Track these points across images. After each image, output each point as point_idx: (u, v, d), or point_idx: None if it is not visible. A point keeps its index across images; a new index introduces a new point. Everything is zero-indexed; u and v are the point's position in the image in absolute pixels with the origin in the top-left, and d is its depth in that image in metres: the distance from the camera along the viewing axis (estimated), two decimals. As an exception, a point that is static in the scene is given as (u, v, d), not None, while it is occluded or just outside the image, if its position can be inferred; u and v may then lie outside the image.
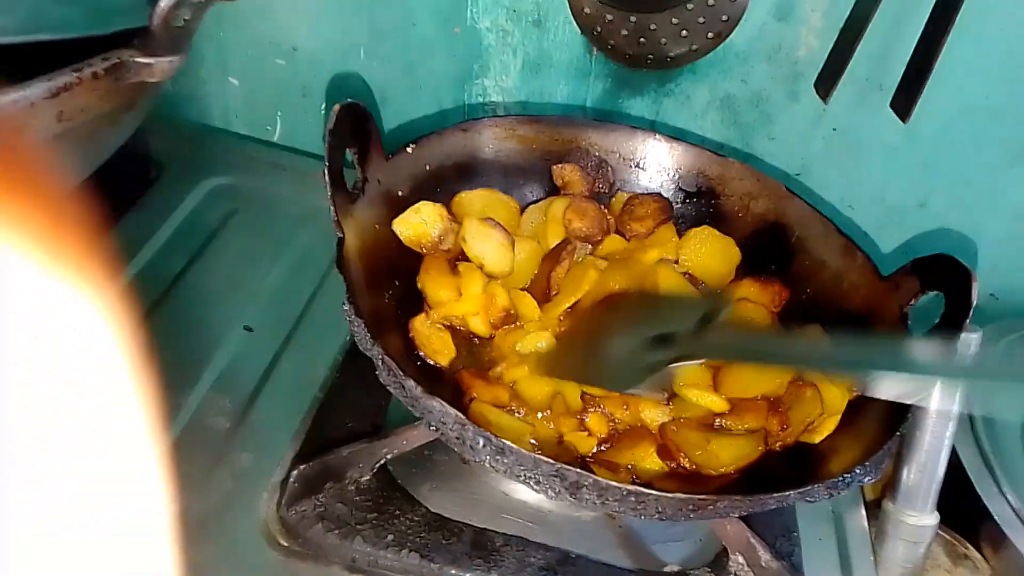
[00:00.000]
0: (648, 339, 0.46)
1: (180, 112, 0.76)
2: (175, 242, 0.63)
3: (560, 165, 0.61)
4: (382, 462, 0.50)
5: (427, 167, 0.56)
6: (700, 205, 0.62)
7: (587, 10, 0.62)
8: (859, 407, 0.49)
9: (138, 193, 0.66)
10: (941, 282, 0.47)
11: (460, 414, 0.41)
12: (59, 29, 0.41)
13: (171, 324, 0.55)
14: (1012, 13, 0.56)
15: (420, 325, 0.53)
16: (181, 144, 0.72)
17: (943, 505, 0.52)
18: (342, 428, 0.53)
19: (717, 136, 0.68)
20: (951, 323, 0.46)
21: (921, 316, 0.50)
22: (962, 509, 0.54)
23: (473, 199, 0.58)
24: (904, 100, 0.59)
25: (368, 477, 0.50)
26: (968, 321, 0.44)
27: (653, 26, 0.61)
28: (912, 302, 0.49)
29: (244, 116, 0.77)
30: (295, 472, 0.48)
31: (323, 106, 0.75)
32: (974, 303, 0.44)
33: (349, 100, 0.47)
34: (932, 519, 0.51)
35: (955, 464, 0.53)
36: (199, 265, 0.61)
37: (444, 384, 0.51)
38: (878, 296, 0.52)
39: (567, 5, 0.63)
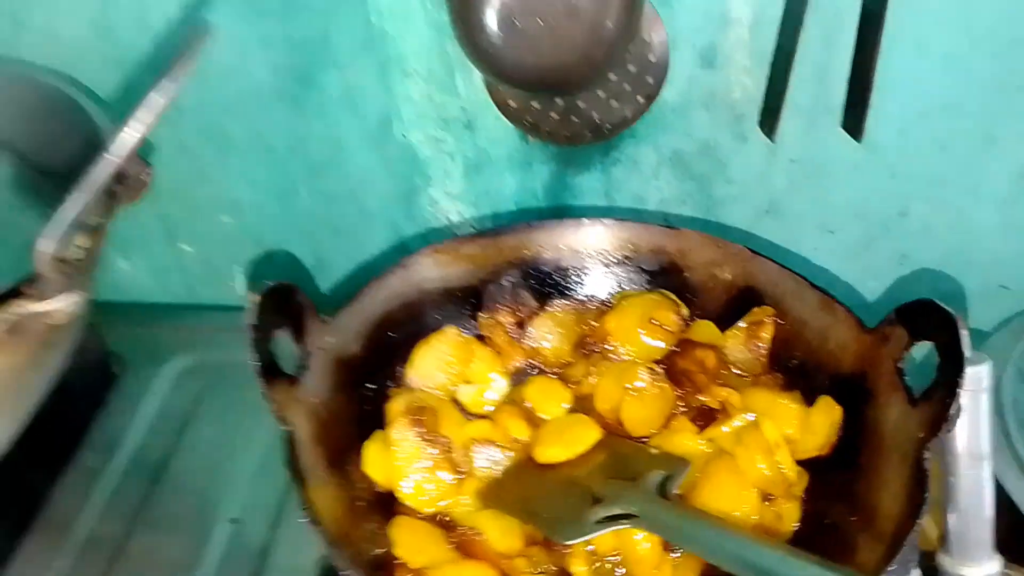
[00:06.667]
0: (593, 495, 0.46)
1: (138, 293, 0.75)
2: (148, 439, 0.60)
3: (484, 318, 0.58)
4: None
5: (373, 317, 0.53)
6: (667, 282, 0.59)
7: (512, 103, 0.61)
8: None
9: (102, 392, 0.64)
10: (929, 331, 0.43)
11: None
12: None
13: (156, 528, 0.53)
14: (941, 11, 0.54)
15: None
16: (140, 330, 0.70)
17: (1005, 540, 0.48)
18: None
19: (675, 193, 0.66)
20: (948, 375, 0.41)
21: (926, 367, 0.45)
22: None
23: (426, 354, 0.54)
24: (854, 118, 0.57)
25: None
26: (966, 365, 0.40)
27: (582, 104, 0.60)
28: (904, 355, 0.45)
29: (204, 280, 0.76)
30: None
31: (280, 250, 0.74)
32: (967, 354, 0.40)
33: (268, 284, 0.45)
34: (994, 566, 0.46)
35: (1005, 498, 0.48)
36: (176, 459, 0.59)
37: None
38: (868, 352, 0.48)
39: (492, 103, 0.61)
